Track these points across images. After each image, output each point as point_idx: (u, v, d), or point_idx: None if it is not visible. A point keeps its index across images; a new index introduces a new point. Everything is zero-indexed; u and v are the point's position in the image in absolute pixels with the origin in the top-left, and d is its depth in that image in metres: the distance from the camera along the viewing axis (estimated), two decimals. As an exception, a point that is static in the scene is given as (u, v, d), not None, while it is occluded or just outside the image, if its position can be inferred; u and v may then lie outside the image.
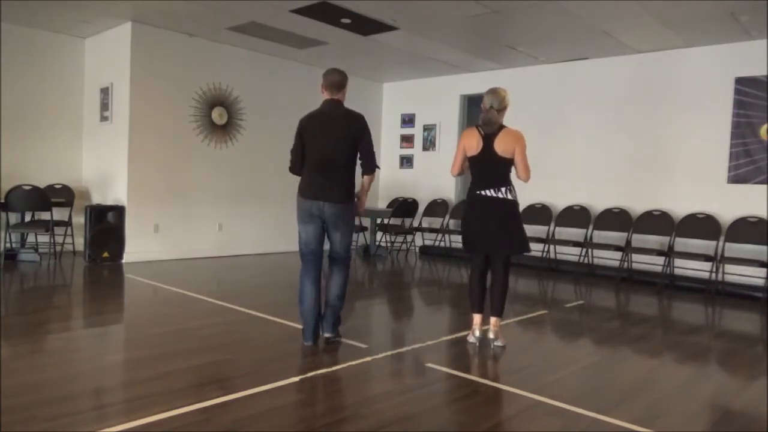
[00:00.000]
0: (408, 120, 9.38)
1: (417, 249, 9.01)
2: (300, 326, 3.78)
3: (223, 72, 7.48)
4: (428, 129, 9.12)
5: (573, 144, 7.52)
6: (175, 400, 2.66)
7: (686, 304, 5.79)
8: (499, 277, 3.79)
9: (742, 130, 6.27)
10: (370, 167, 3.67)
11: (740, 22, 5.64)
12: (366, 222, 8.37)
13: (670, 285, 6.45)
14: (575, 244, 7.08)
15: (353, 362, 3.35)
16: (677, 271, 6.50)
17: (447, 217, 8.56)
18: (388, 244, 8.98)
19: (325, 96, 3.67)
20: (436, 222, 8.75)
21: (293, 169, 3.77)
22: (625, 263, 6.81)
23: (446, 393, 3.01)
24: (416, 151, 9.28)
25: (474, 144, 3.73)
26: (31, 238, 6.92)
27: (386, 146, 9.62)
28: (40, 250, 6.75)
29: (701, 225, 6.42)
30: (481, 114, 3.75)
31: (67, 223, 6.84)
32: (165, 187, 7.04)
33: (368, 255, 8.38)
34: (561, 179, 7.55)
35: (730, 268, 6.14)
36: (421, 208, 8.90)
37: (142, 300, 5.06)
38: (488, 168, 3.73)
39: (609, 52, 7.03)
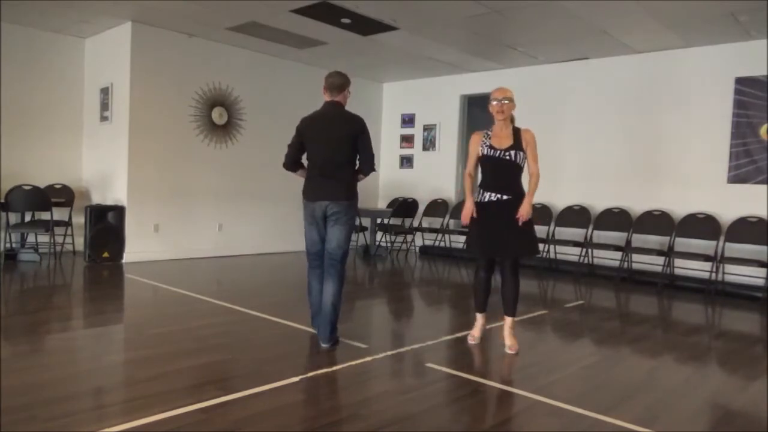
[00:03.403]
0: (408, 120, 9.38)
1: (417, 249, 9.01)
2: (300, 326, 3.78)
3: (223, 72, 7.48)
4: (428, 129, 9.12)
5: (573, 144, 7.51)
6: (175, 400, 2.66)
7: (686, 304, 5.79)
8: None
9: (742, 130, 6.27)
10: (368, 169, 3.68)
11: (740, 22, 5.64)
12: (366, 222, 8.37)
13: (670, 285, 6.45)
14: (575, 244, 7.08)
15: (353, 362, 3.35)
16: (677, 271, 6.50)
17: (447, 217, 8.56)
18: (388, 244, 8.98)
19: (326, 98, 3.69)
20: (436, 222, 8.75)
21: (285, 164, 3.81)
22: (625, 263, 6.81)
23: (446, 393, 3.01)
24: (416, 151, 9.28)
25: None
26: (31, 238, 6.92)
27: (386, 146, 9.62)
28: (40, 250, 6.75)
29: (701, 225, 6.42)
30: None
31: (67, 223, 6.84)
32: (165, 187, 7.04)
33: (368, 255, 8.38)
34: (561, 179, 7.55)
35: (730, 268, 6.14)
36: (421, 208, 8.90)
37: (142, 300, 5.06)
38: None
39: (609, 52, 7.03)
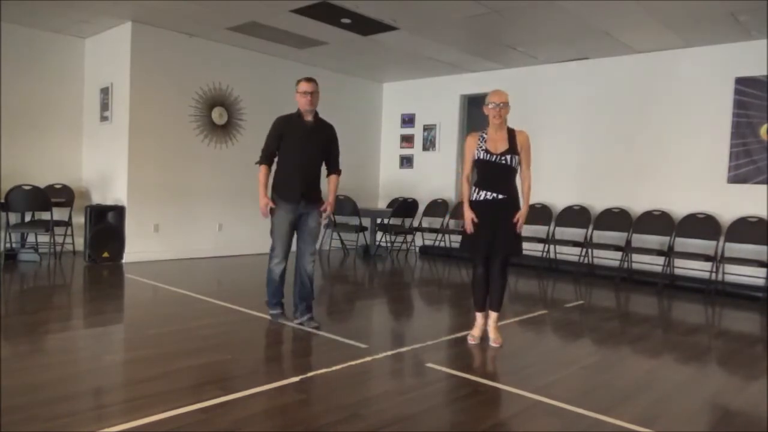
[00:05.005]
0: (408, 120, 9.37)
1: (417, 249, 9.01)
2: (300, 326, 3.81)
3: (223, 72, 7.47)
4: (428, 129, 9.12)
5: (573, 143, 7.51)
6: (175, 400, 2.66)
7: (686, 304, 5.79)
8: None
9: (742, 130, 6.26)
10: None
11: (740, 22, 5.64)
12: (366, 222, 8.37)
13: (670, 285, 6.45)
14: (575, 244, 7.08)
15: (353, 362, 3.34)
16: (677, 271, 6.50)
17: (447, 217, 8.56)
18: (388, 244, 8.98)
19: None
20: (436, 222, 8.75)
21: None
22: (625, 263, 6.80)
23: (446, 393, 3.01)
24: (416, 151, 9.28)
25: None
26: (31, 238, 6.92)
27: (386, 146, 9.63)
28: (40, 250, 6.74)
29: (701, 225, 6.41)
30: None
31: (67, 223, 6.84)
32: (165, 187, 7.03)
33: (368, 255, 8.38)
34: (561, 179, 7.55)
35: (730, 268, 6.13)
36: (421, 208, 8.90)
37: (142, 300, 5.06)
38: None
39: (609, 52, 7.02)
